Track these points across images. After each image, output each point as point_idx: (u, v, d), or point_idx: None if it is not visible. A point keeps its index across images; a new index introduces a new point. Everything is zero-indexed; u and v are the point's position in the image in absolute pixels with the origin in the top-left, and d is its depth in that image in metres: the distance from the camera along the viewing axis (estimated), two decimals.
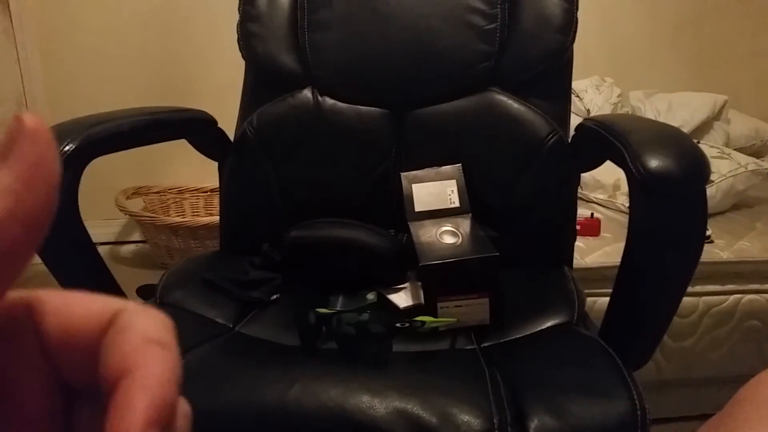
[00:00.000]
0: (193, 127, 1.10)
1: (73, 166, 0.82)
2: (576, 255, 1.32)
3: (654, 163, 0.71)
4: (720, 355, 1.43)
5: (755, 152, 2.15)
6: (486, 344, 0.83)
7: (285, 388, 0.68)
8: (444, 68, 1.11)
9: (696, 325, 1.41)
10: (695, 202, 0.71)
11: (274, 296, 0.96)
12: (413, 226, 1.00)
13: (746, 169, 1.70)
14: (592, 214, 1.66)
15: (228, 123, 1.17)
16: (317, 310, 0.83)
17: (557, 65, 1.10)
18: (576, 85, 2.13)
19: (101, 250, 0.88)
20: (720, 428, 0.58)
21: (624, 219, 1.69)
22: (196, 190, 2.45)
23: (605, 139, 0.84)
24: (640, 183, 0.72)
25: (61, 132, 0.82)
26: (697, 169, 0.71)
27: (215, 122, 1.12)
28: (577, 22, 1.08)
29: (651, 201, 0.73)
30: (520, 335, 0.84)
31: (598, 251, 1.46)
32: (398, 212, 1.05)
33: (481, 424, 0.64)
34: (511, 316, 0.88)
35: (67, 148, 0.79)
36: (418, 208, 1.05)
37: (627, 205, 1.73)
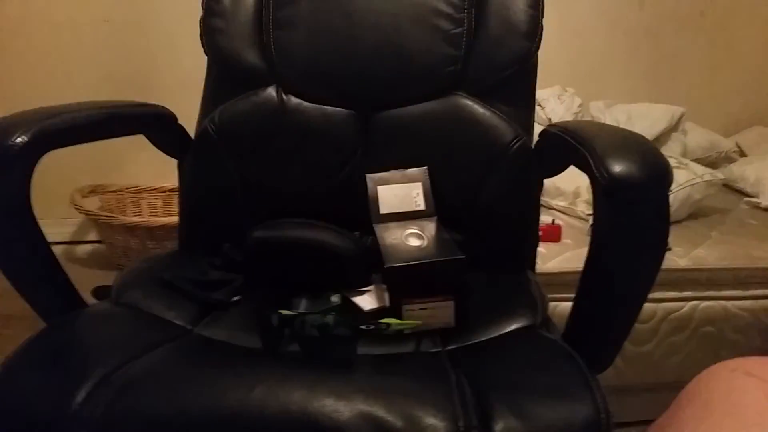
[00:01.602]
0: (152, 123, 1.07)
1: (25, 159, 0.79)
2: (537, 260, 1.33)
3: (618, 168, 0.71)
4: (677, 360, 1.46)
5: (710, 164, 2.21)
6: (451, 347, 0.83)
7: (246, 392, 0.66)
8: (410, 71, 1.10)
9: (655, 331, 1.43)
10: (658, 207, 0.72)
11: (235, 298, 0.94)
12: (378, 228, 1.00)
13: (702, 179, 1.75)
14: (553, 220, 1.68)
15: (189, 119, 1.15)
16: (280, 311, 0.81)
17: (522, 71, 1.11)
18: (538, 94, 2.15)
19: (56, 249, 0.85)
20: (668, 429, 0.59)
21: (584, 226, 1.72)
22: (154, 189, 2.40)
23: (569, 145, 0.85)
24: (603, 188, 0.72)
25: (13, 124, 0.78)
26: (660, 174, 0.72)
27: (175, 118, 1.10)
28: (542, 29, 1.09)
29: (615, 205, 0.74)
30: (485, 338, 0.84)
31: (559, 257, 1.47)
32: (363, 214, 1.04)
33: (446, 427, 0.63)
34: (476, 319, 0.87)
35: (18, 140, 0.76)
36: (383, 210, 1.04)
37: (587, 212, 1.76)
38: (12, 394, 0.69)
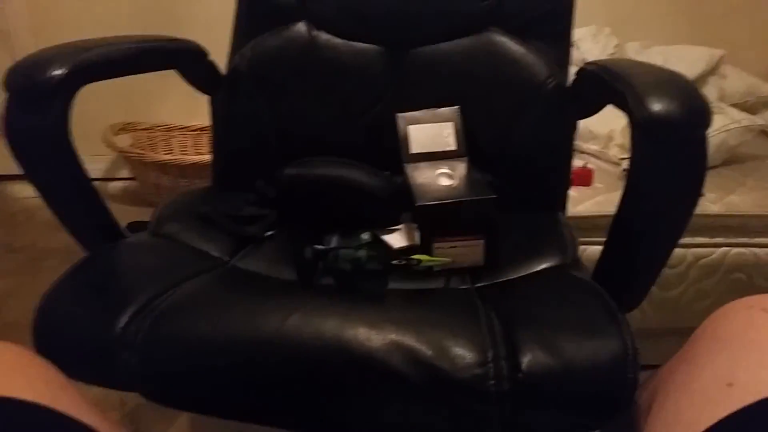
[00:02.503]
0: (184, 58, 1.07)
1: (64, 93, 0.79)
2: (567, 204, 1.32)
3: (657, 106, 0.70)
4: (705, 306, 1.46)
5: (748, 109, 2.14)
6: (480, 284, 0.84)
7: (283, 318, 0.68)
8: (444, 6, 1.08)
9: (683, 276, 1.43)
10: (697, 146, 0.70)
11: (269, 232, 0.96)
12: (409, 168, 0.99)
13: (740, 124, 1.70)
14: (585, 164, 1.66)
15: (219, 56, 1.14)
16: (314, 245, 0.82)
17: (560, 7, 1.08)
18: (573, 34, 2.10)
19: None
20: (682, 363, 0.60)
21: (616, 170, 1.69)
22: (184, 128, 2.42)
23: (607, 84, 0.83)
24: (642, 126, 0.71)
25: (50, 58, 0.79)
26: (699, 113, 0.70)
27: (206, 53, 1.09)
28: None
29: (652, 144, 0.73)
30: (514, 276, 0.85)
31: (590, 200, 1.46)
32: (394, 153, 1.04)
33: (474, 357, 0.65)
34: (506, 258, 0.88)
35: (56, 73, 0.77)
36: (414, 149, 1.04)
37: (620, 156, 1.74)
38: (57, 321, 0.72)
